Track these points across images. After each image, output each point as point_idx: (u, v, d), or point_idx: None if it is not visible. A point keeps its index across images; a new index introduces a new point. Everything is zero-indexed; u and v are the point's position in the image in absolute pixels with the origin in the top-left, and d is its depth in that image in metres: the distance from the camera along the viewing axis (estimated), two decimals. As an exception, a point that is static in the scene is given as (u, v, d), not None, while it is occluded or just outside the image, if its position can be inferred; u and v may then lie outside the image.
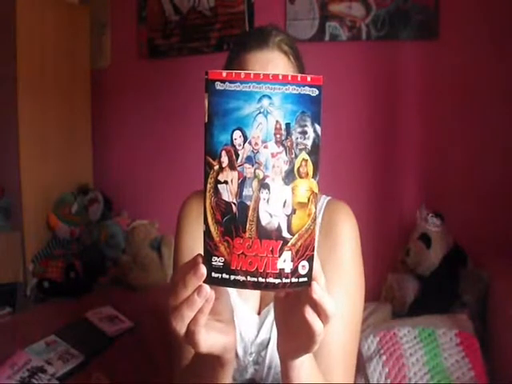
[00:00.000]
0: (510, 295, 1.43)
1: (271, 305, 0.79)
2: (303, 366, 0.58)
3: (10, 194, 2.02)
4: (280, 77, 0.46)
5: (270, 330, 0.79)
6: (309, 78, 0.46)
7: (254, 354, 0.79)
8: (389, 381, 1.35)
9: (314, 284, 0.48)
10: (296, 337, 0.52)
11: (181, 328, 0.49)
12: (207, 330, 0.50)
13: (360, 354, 1.45)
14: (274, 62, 0.75)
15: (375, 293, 1.85)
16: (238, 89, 0.45)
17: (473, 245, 1.74)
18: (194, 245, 0.82)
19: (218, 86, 0.45)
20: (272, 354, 0.78)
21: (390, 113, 1.96)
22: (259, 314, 0.82)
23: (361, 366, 1.43)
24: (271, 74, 0.46)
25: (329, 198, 0.86)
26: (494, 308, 1.53)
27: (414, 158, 1.94)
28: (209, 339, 0.51)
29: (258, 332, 0.80)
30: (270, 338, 0.79)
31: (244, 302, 0.81)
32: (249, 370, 0.80)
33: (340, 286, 0.76)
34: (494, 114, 1.82)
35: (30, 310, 1.88)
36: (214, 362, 0.58)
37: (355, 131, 2.01)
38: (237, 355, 0.79)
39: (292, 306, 0.52)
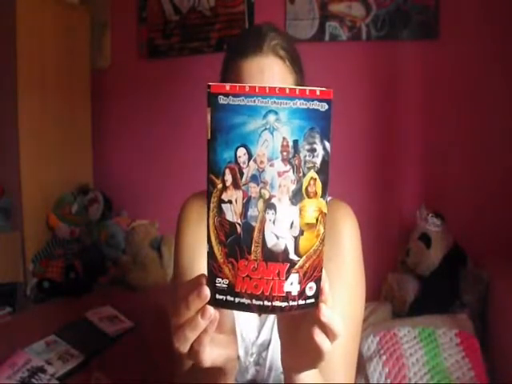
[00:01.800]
0: (510, 295, 1.43)
1: None
2: (307, 377, 0.58)
3: (9, 194, 2.02)
4: (287, 90, 0.43)
5: (270, 331, 0.79)
6: (318, 92, 0.43)
7: (254, 355, 0.80)
8: (389, 381, 1.35)
9: (322, 306, 0.47)
10: (302, 353, 0.52)
11: (184, 348, 0.48)
12: (211, 346, 0.50)
13: (360, 354, 1.45)
14: (269, 67, 0.74)
15: (375, 293, 1.85)
16: (243, 103, 0.43)
17: (473, 245, 1.74)
18: (195, 246, 0.82)
19: (221, 100, 0.43)
20: (273, 355, 0.78)
21: (391, 113, 1.96)
22: (260, 315, 0.82)
23: (361, 365, 1.43)
24: (277, 87, 0.43)
25: (329, 198, 0.86)
26: (493, 308, 1.53)
27: (414, 157, 1.94)
28: (212, 354, 0.50)
29: (259, 333, 0.80)
30: (270, 339, 0.79)
31: None
32: (250, 370, 0.80)
33: (341, 286, 0.76)
34: (494, 113, 1.82)
35: (29, 310, 1.88)
36: (215, 371, 0.57)
37: (355, 131, 2.01)
38: (238, 356, 0.79)
39: (297, 323, 0.51)
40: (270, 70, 0.74)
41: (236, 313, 0.80)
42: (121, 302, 1.84)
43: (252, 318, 0.81)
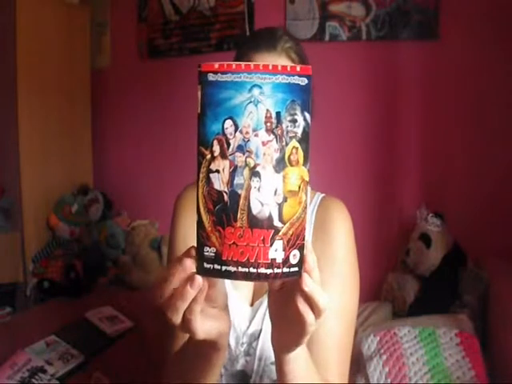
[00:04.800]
0: (510, 295, 1.43)
1: (264, 296, 0.81)
2: (298, 360, 0.59)
3: (9, 194, 2.02)
4: (270, 67, 0.46)
5: (261, 321, 0.80)
6: (298, 68, 0.46)
7: (245, 345, 0.80)
8: (389, 380, 1.35)
9: (305, 276, 0.48)
10: (289, 329, 0.53)
11: (176, 319, 0.50)
12: (203, 317, 0.51)
13: (360, 354, 1.45)
14: None
15: (375, 293, 1.85)
16: (230, 79, 0.46)
17: (473, 245, 1.74)
18: (189, 237, 0.83)
19: (210, 77, 0.46)
20: (263, 345, 0.79)
21: (391, 113, 1.96)
22: (252, 305, 0.83)
23: (361, 365, 1.43)
24: (261, 64, 0.46)
25: (323, 194, 0.87)
26: (494, 308, 1.53)
27: (414, 157, 1.94)
28: (205, 326, 0.52)
29: (250, 323, 0.81)
30: (261, 330, 0.79)
31: (237, 293, 0.82)
32: (240, 360, 0.80)
33: (334, 281, 0.77)
34: (494, 113, 1.82)
35: (29, 310, 1.89)
36: (207, 346, 0.59)
37: (356, 131, 2.01)
38: (229, 345, 0.80)
39: (286, 298, 0.52)
40: None
41: (229, 302, 0.82)
42: (121, 302, 1.84)
43: (244, 307, 0.82)
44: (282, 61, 0.77)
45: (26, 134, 2.03)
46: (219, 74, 0.46)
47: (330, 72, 1.93)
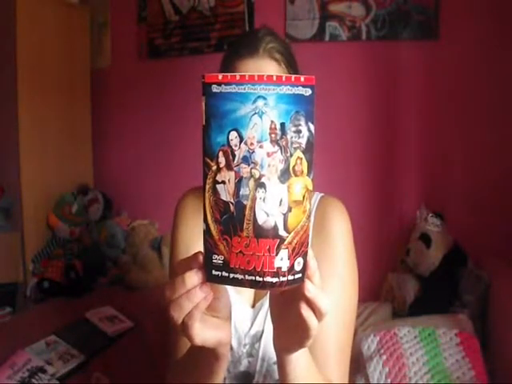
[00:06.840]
0: (510, 295, 1.43)
1: (265, 298, 0.81)
2: (299, 360, 0.60)
3: (10, 194, 2.02)
4: (274, 78, 0.46)
5: (263, 322, 0.80)
6: (302, 79, 0.46)
7: (247, 346, 0.81)
8: (389, 380, 1.35)
9: (307, 282, 0.49)
10: (291, 331, 0.54)
11: (178, 317, 0.51)
12: (203, 325, 0.52)
13: (360, 354, 1.45)
14: (264, 69, 0.77)
15: (375, 293, 1.85)
16: (234, 91, 0.46)
17: (473, 245, 1.74)
18: (190, 240, 0.83)
19: (215, 88, 0.46)
20: (265, 346, 0.79)
21: (390, 113, 1.96)
22: (253, 306, 0.83)
23: (361, 365, 1.43)
24: (265, 75, 0.46)
25: (322, 194, 0.87)
26: (494, 308, 1.53)
27: (414, 157, 1.94)
28: (203, 333, 0.53)
29: (252, 324, 0.81)
30: (263, 331, 0.80)
31: (239, 294, 0.83)
32: (242, 361, 0.81)
33: (333, 281, 0.77)
34: (494, 113, 1.82)
35: (29, 310, 1.88)
36: (208, 354, 0.59)
37: (355, 131, 2.01)
38: (231, 347, 0.80)
39: (287, 301, 0.53)
40: (265, 72, 0.75)
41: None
42: (121, 301, 1.84)
43: (245, 308, 0.83)
44: (265, 63, 0.77)
45: (26, 133, 2.03)
46: (223, 86, 0.46)
47: (330, 72, 1.93)
